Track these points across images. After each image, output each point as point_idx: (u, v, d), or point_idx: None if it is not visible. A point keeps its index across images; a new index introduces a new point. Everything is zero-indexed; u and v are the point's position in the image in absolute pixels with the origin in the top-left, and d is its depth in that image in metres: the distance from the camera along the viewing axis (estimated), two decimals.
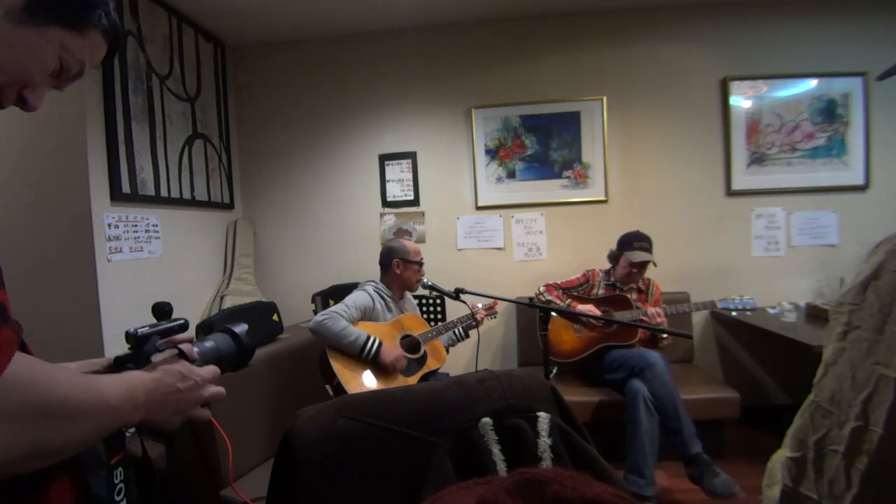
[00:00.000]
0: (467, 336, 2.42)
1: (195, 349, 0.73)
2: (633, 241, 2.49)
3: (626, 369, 2.27)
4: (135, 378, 0.60)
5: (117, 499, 0.63)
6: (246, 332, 0.81)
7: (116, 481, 0.63)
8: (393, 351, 2.03)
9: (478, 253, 3.20)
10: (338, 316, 1.97)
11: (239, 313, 2.06)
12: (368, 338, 1.97)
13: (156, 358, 0.67)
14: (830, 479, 0.58)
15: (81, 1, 0.61)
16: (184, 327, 0.75)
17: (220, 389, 0.70)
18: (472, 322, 2.31)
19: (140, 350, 0.68)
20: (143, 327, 0.70)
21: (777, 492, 0.64)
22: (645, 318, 2.34)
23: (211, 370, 0.70)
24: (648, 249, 2.46)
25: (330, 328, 1.93)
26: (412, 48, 3.19)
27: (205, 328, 1.88)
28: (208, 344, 0.76)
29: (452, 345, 2.41)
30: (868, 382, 0.55)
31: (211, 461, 1.67)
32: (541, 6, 3.00)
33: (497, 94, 3.13)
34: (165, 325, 0.73)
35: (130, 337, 0.69)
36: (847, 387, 0.58)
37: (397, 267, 2.22)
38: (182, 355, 0.69)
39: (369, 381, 1.98)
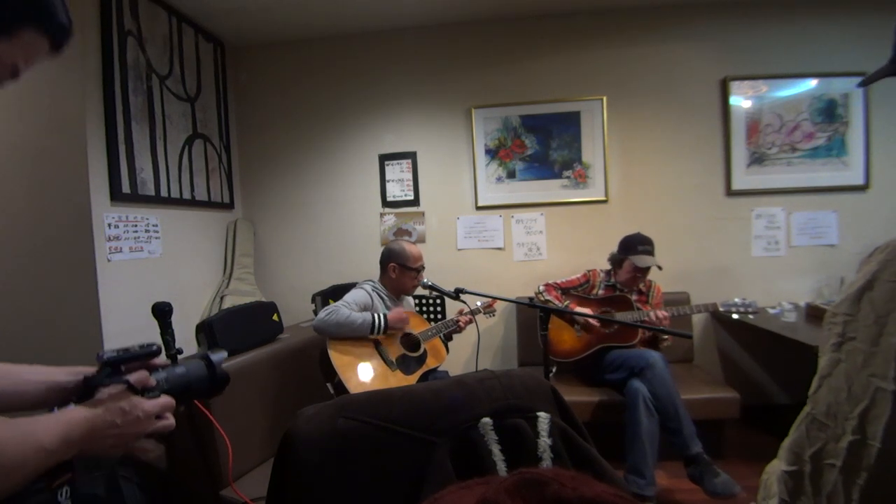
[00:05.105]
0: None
1: (156, 377, 0.73)
2: (637, 245, 2.46)
3: (626, 369, 2.27)
4: (73, 417, 0.61)
5: None
6: (223, 360, 0.82)
7: (62, 499, 0.64)
8: (396, 313, 2.09)
9: (478, 253, 3.20)
10: (339, 307, 1.99)
11: (239, 313, 2.06)
12: (374, 315, 2.03)
13: (101, 393, 0.67)
14: (829, 493, 0.57)
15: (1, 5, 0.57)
16: (155, 353, 0.76)
17: (168, 422, 0.71)
18: (469, 318, 2.32)
19: (89, 382, 0.69)
20: (112, 352, 0.71)
21: None
22: (647, 320, 2.34)
23: (160, 403, 0.69)
24: (652, 252, 2.45)
25: (335, 319, 1.96)
26: (412, 48, 3.19)
27: (205, 328, 1.88)
28: (178, 370, 0.77)
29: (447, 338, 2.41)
30: (864, 395, 0.54)
31: (211, 461, 1.67)
32: (541, 6, 3.00)
33: (497, 94, 3.13)
34: (135, 351, 0.73)
35: (98, 360, 0.71)
36: (843, 399, 0.57)
37: (393, 271, 2.22)
38: (131, 388, 0.68)
39: (369, 377, 1.98)
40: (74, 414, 0.62)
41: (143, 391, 0.70)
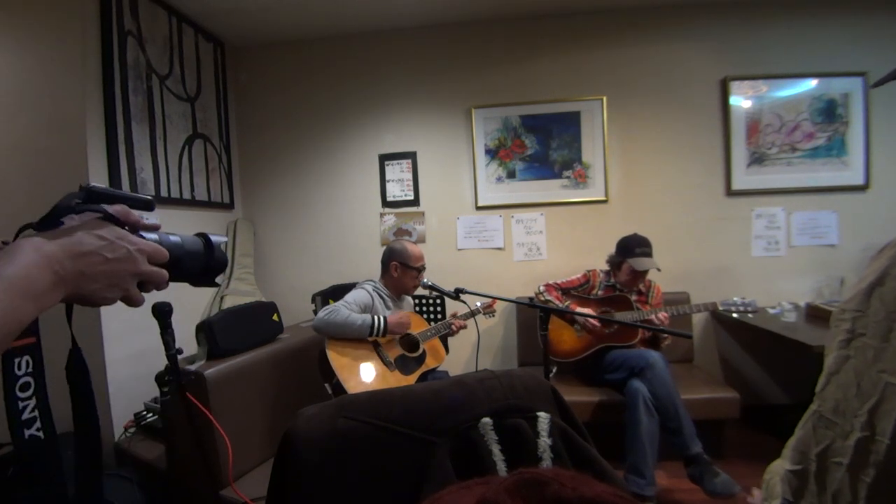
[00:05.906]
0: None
1: (151, 236, 0.57)
2: (635, 247, 2.45)
3: (626, 369, 2.27)
4: (31, 262, 0.42)
5: (21, 395, 0.49)
6: (223, 243, 0.68)
7: (20, 372, 0.49)
8: (398, 317, 2.09)
9: (478, 253, 3.20)
10: (339, 307, 1.99)
11: (239, 313, 2.06)
12: (374, 317, 2.02)
13: (70, 220, 0.49)
14: (834, 492, 0.56)
15: None
16: (147, 203, 0.60)
17: (162, 271, 0.55)
18: (462, 323, 2.32)
19: (54, 209, 0.49)
20: (101, 185, 0.55)
21: None
22: (647, 320, 2.34)
23: (153, 245, 0.54)
24: (650, 254, 2.45)
25: (334, 320, 1.95)
26: (412, 48, 3.19)
27: (205, 328, 1.88)
28: (172, 238, 0.61)
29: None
30: (874, 391, 0.54)
31: (211, 461, 1.67)
32: (541, 6, 3.00)
33: (497, 94, 3.13)
34: (125, 193, 0.57)
35: (82, 189, 0.53)
36: (852, 396, 0.56)
37: (394, 270, 2.22)
38: (109, 218, 0.51)
39: (368, 378, 1.98)
40: (40, 249, 0.43)
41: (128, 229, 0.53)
